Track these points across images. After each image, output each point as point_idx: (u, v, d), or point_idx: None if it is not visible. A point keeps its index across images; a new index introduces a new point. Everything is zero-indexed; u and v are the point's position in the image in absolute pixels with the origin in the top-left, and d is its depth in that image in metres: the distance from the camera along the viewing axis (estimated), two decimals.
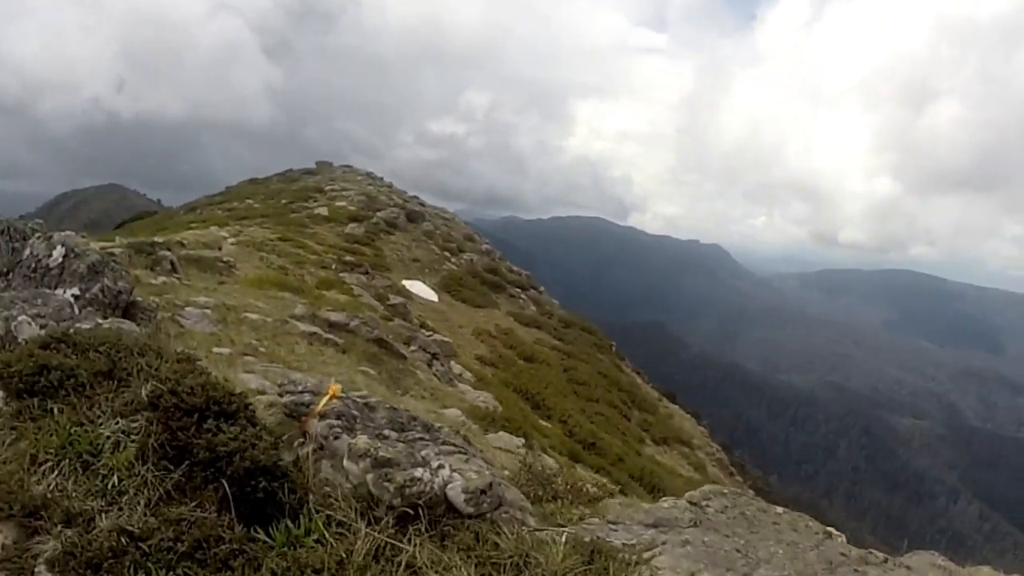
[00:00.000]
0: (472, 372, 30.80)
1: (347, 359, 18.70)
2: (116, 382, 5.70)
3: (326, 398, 5.80)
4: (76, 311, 7.64)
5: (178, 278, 20.73)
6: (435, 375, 24.18)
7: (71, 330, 6.46)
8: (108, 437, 5.15)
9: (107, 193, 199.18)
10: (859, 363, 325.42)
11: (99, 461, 5.02)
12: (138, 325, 9.28)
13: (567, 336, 49.29)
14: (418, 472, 5.12)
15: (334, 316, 21.44)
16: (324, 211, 50.14)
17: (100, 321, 7.41)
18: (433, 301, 42.72)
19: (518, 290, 53.48)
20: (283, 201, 53.79)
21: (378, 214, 52.05)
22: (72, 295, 8.71)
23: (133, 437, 5.14)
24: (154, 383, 5.38)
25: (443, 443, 5.84)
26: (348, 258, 38.85)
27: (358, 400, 6.05)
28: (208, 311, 16.99)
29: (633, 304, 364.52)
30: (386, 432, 5.66)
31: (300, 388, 5.99)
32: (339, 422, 5.57)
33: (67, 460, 5.02)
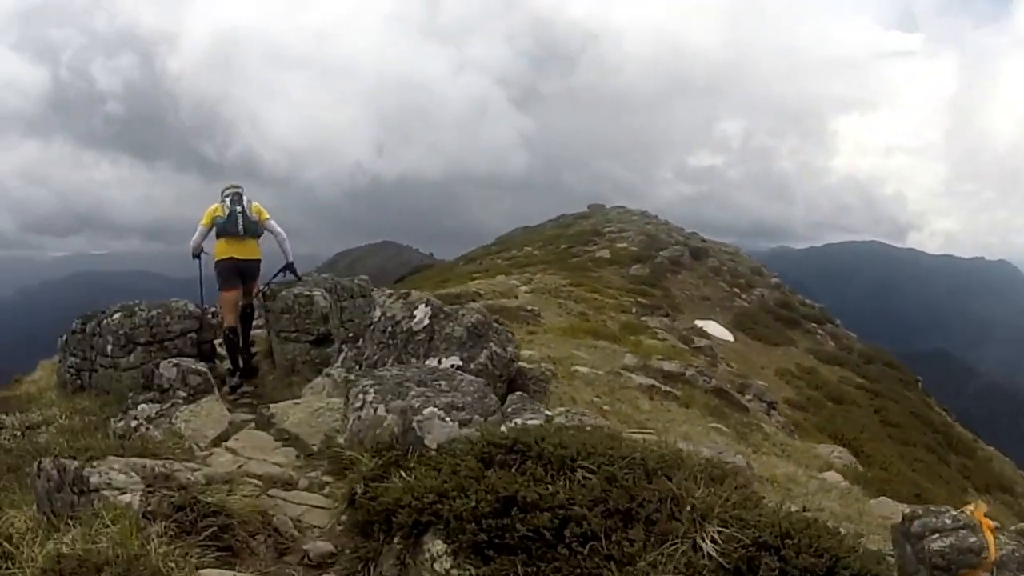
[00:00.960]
0: (785, 417, 27.73)
1: (693, 414, 16.28)
2: (644, 527, 3.22)
3: (990, 535, 3.17)
4: (496, 398, 5.31)
5: None
6: (777, 427, 21.36)
7: (513, 432, 4.05)
8: None
9: (381, 250, 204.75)
10: None
11: None
12: (531, 397, 6.97)
13: (870, 373, 44.97)
14: None
15: (667, 366, 19.28)
16: (606, 253, 48.03)
17: (548, 413, 5.00)
18: (729, 341, 39.72)
19: (814, 325, 49.60)
20: (562, 246, 52.10)
21: (661, 253, 49.47)
22: (452, 365, 6.52)
23: None
24: (721, 529, 2.86)
25: None
26: (643, 300, 36.42)
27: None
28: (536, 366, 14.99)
29: (914, 332, 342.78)
30: None
31: (950, 523, 3.38)
32: None
33: None
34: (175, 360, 8.08)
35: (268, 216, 12.06)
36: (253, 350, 12.26)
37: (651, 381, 17.26)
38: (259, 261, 12.08)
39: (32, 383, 15.53)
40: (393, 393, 4.88)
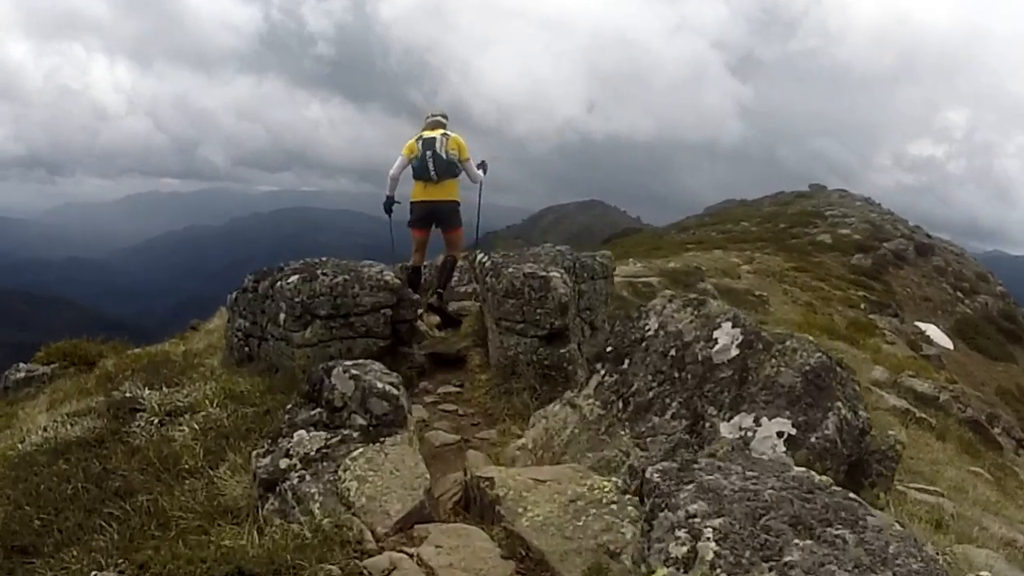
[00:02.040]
0: None
1: (949, 451, 13.57)
2: None
3: None
4: None
5: None
6: None
7: None
8: None
9: (588, 208, 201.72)
10: None
11: None
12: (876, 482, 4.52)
13: None
14: None
15: (919, 386, 16.51)
16: (827, 238, 45.20)
17: None
18: (949, 349, 36.25)
19: None
20: (780, 225, 49.50)
21: (885, 245, 46.03)
22: (779, 433, 4.09)
23: None
24: None
25: None
26: (870, 296, 33.59)
27: None
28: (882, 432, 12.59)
29: None
30: None
31: None
32: None
33: None
34: (354, 367, 5.54)
35: (468, 156, 11.54)
36: (449, 309, 11.49)
37: (904, 403, 14.86)
38: (455, 202, 11.71)
39: (206, 333, 13.88)
40: (753, 546, 2.40)
